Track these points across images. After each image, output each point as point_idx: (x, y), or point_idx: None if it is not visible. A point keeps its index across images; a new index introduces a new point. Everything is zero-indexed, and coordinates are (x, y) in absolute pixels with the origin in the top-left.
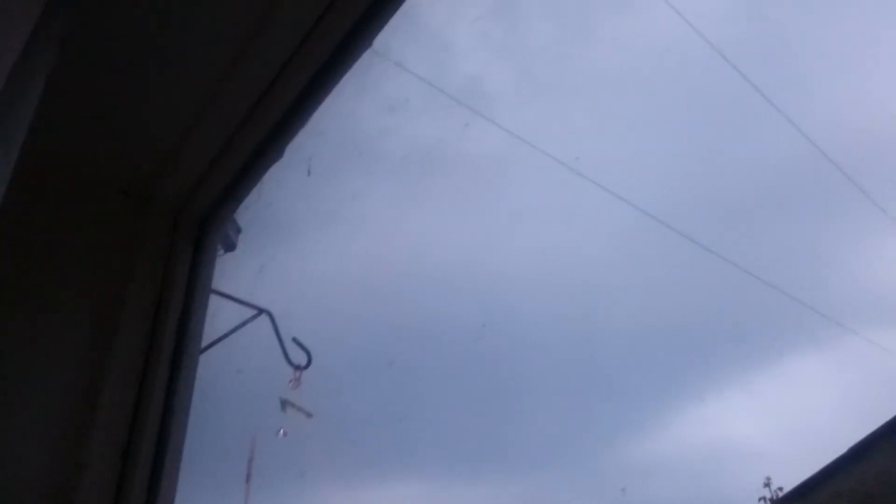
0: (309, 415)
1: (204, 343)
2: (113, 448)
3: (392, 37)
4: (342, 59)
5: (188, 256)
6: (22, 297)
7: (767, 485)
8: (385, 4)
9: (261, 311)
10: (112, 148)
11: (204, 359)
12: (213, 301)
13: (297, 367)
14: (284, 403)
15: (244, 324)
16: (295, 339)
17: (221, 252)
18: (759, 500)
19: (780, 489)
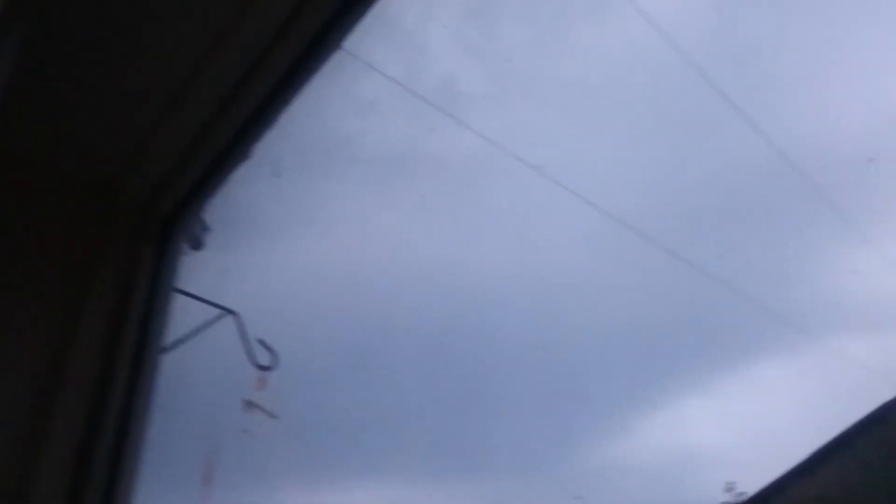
0: (273, 416)
1: (168, 343)
2: (70, 447)
3: (363, 38)
4: (311, 61)
5: (152, 255)
6: None
7: (730, 489)
8: (356, 5)
9: (227, 311)
10: (76, 146)
11: (168, 359)
12: (179, 301)
13: (263, 369)
14: (249, 405)
15: (209, 324)
16: (261, 341)
17: (189, 251)
18: None
19: (742, 494)
